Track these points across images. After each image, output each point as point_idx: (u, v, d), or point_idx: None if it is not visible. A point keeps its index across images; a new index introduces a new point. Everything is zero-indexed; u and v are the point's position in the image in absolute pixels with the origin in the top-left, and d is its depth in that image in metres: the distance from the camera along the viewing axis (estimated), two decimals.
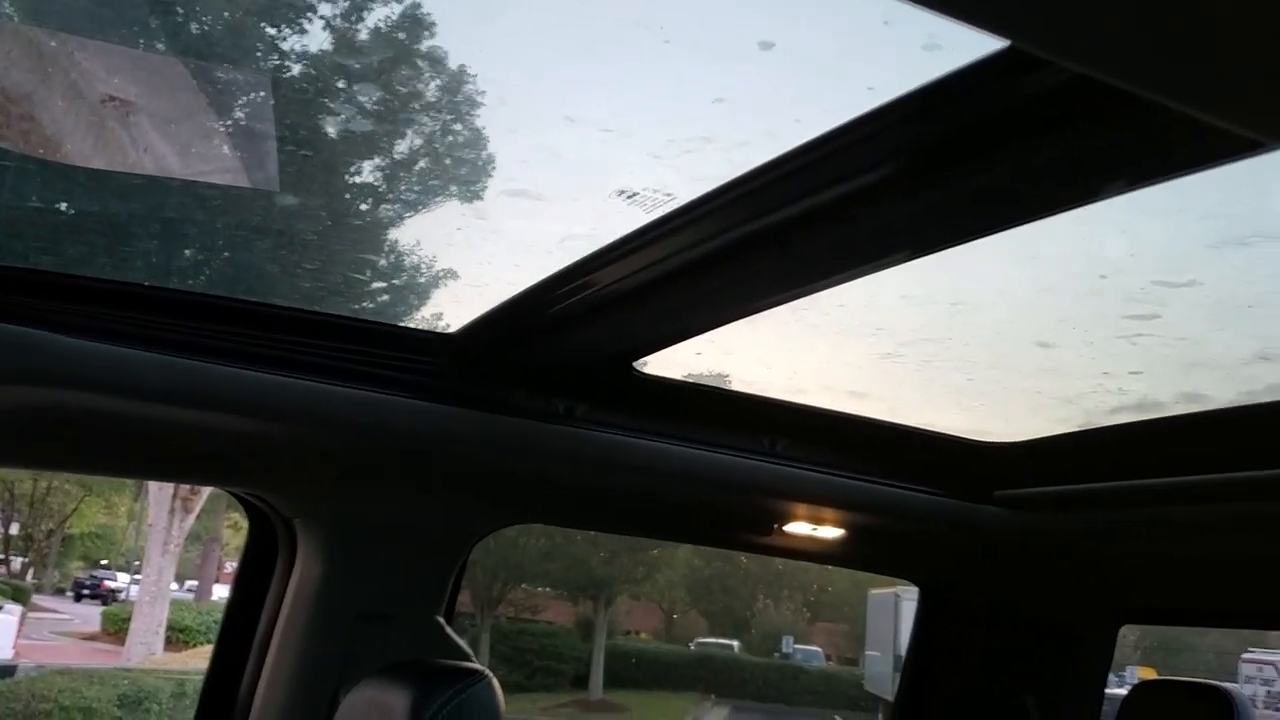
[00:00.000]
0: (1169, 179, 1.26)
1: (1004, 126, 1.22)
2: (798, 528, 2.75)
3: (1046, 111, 1.17)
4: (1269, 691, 25.98)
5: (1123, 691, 3.17)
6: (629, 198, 1.90)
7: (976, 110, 1.21)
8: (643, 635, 37.82)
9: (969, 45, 1.07)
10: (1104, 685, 3.32)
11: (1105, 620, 3.27)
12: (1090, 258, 2.38)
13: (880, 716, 25.97)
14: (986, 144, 1.25)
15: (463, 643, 2.51)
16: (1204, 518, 2.44)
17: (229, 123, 2.68)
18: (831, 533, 2.79)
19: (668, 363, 2.41)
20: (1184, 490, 2.42)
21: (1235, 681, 25.63)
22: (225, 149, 2.66)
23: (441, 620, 2.51)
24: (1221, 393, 2.88)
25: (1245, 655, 27.78)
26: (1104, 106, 1.12)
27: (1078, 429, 2.76)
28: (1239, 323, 2.67)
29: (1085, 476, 2.66)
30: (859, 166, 1.35)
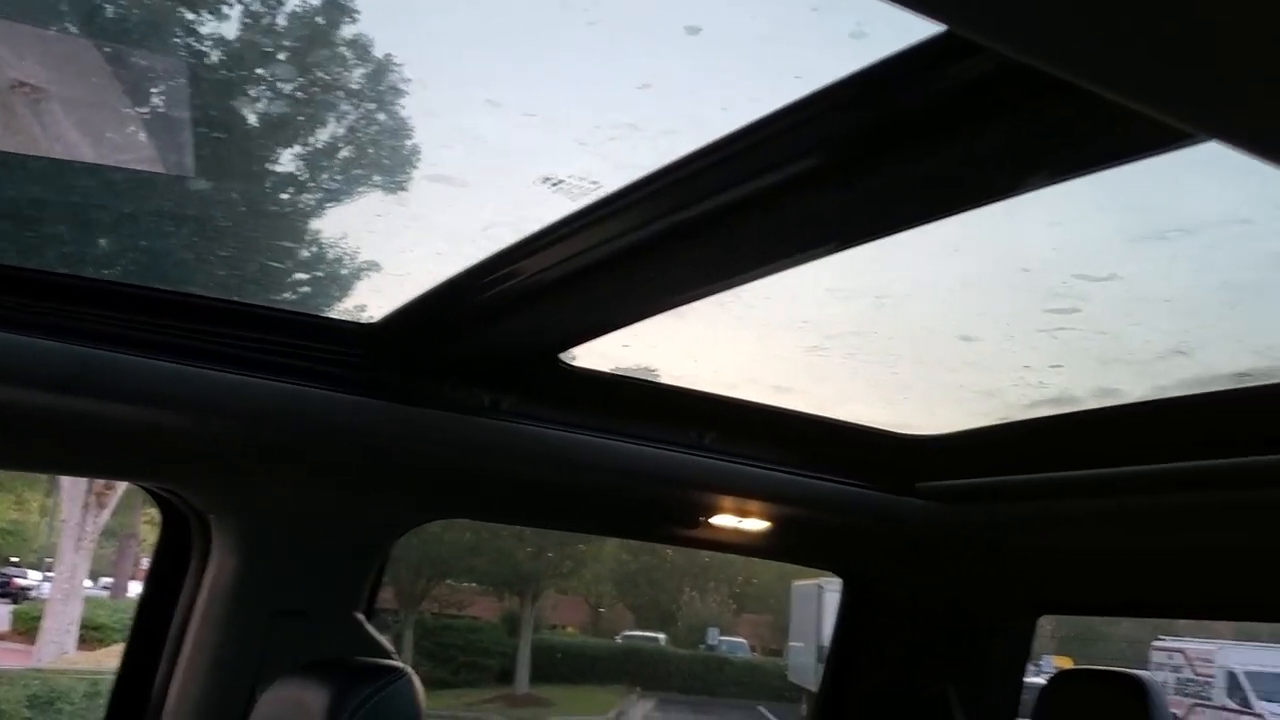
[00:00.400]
0: (1091, 172, 1.27)
1: (929, 118, 1.22)
2: (724, 520, 2.75)
3: (971, 104, 1.17)
4: (1179, 678, 26.72)
5: (1040, 680, 3.23)
6: (554, 185, 1.88)
7: (901, 101, 1.21)
8: (569, 629, 37.82)
9: (896, 34, 1.07)
10: (1023, 674, 3.38)
11: (1024, 611, 3.32)
12: (1013, 252, 2.41)
13: (804, 707, 26.24)
14: (911, 135, 1.25)
15: (383, 640, 2.47)
16: (1119, 510, 2.49)
17: (144, 107, 2.60)
18: (757, 525, 2.80)
19: (595, 355, 2.39)
20: (1100, 483, 2.46)
21: (1147, 669, 26.35)
22: (141, 134, 2.59)
23: (361, 617, 2.46)
24: (1136, 387, 2.94)
25: (1156, 643, 28.53)
26: (1027, 99, 1.13)
27: (998, 422, 2.80)
28: (1156, 317, 2.72)
29: (1005, 469, 2.70)
30: (785, 156, 1.34)
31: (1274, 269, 2.39)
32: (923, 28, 1.04)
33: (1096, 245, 2.48)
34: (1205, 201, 2.09)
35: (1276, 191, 1.96)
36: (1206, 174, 1.77)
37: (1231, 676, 25.59)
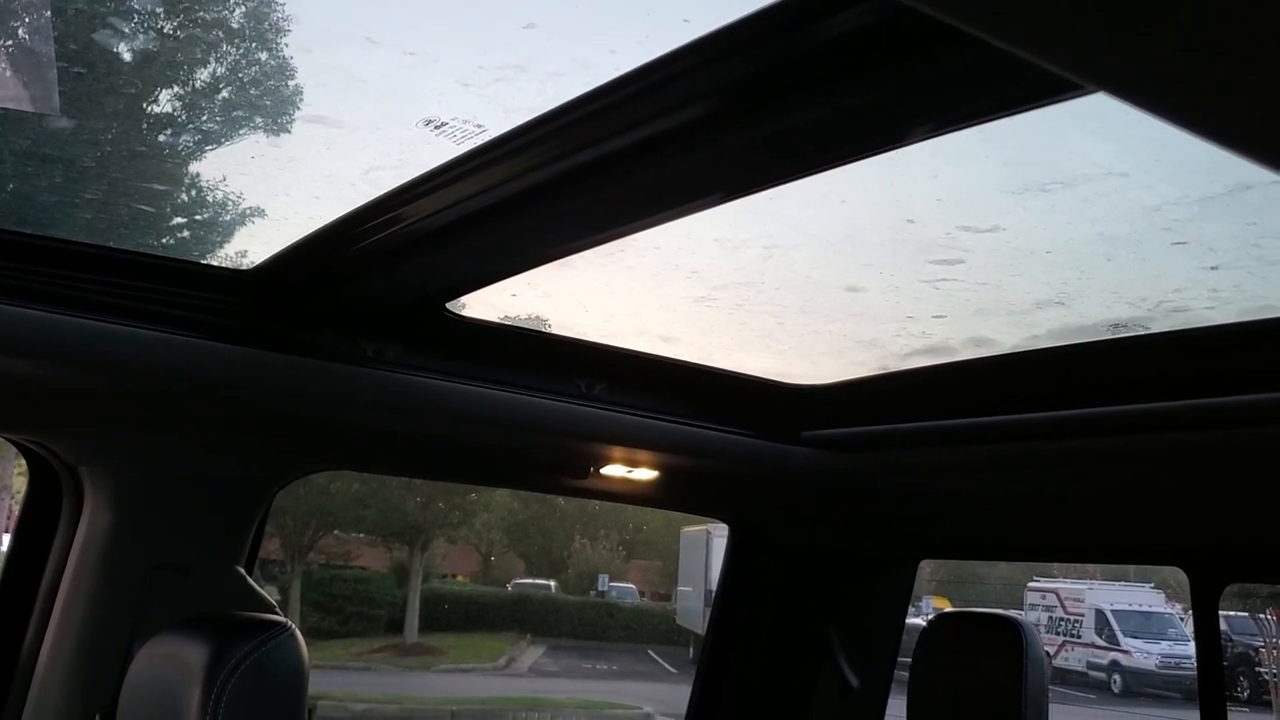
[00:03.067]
0: (976, 123, 1.28)
1: (817, 65, 1.21)
2: (613, 470, 2.76)
3: (859, 52, 1.17)
4: (1051, 617, 27.90)
5: (920, 622, 3.32)
6: (437, 128, 1.82)
7: (790, 48, 1.20)
8: (460, 578, 37.78)
9: None
10: (904, 616, 3.47)
11: (906, 555, 3.41)
12: (899, 203, 2.44)
13: (692, 650, 26.72)
14: (799, 83, 1.24)
15: (265, 593, 2.42)
16: (997, 457, 2.56)
17: (4, 39, 2.46)
18: (646, 474, 2.81)
19: (483, 304, 2.36)
20: (979, 431, 2.53)
21: (1021, 609, 27.45)
22: (1, 68, 2.45)
23: (242, 570, 2.41)
24: (1010, 336, 3.01)
25: (1030, 585, 29.73)
26: (914, 49, 1.13)
27: (882, 372, 2.85)
28: (1036, 268, 2.79)
29: (889, 418, 2.75)
30: (674, 102, 1.32)
31: (1148, 221, 2.46)
32: None
33: (980, 197, 2.52)
34: (1084, 155, 2.13)
35: (1153, 146, 2.02)
36: (1086, 128, 1.80)
37: (1100, 615, 26.83)
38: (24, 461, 2.47)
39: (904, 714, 2.82)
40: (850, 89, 1.23)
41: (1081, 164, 2.18)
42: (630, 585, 37.91)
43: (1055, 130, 1.79)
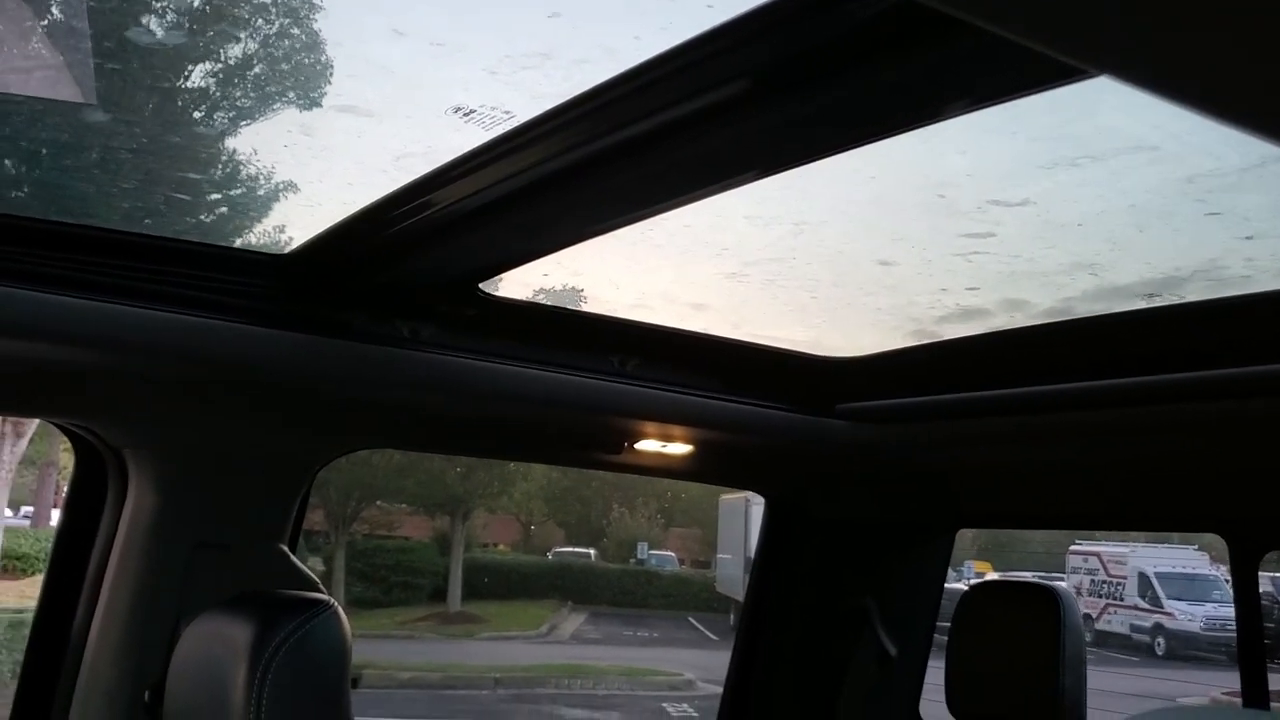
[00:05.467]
0: (1007, 100, 1.27)
1: (845, 46, 1.21)
2: (648, 445, 2.77)
3: (889, 31, 1.16)
4: (1093, 580, 27.76)
5: (962, 586, 3.33)
6: (465, 115, 1.83)
7: (817, 29, 1.20)
8: (500, 547, 38.10)
9: None
10: (942, 586, 3.48)
11: (943, 525, 3.41)
12: (929, 177, 2.43)
13: (732, 617, 26.84)
14: (828, 64, 1.24)
15: (308, 572, 2.46)
16: (1033, 426, 2.55)
17: (41, 29, 2.49)
18: (681, 449, 2.82)
19: (515, 284, 2.37)
20: (1014, 401, 2.52)
21: (1063, 572, 27.29)
22: (38, 59, 2.48)
23: (285, 549, 2.45)
24: (1043, 307, 3.00)
25: (1072, 548, 29.58)
26: (945, 27, 1.12)
27: (916, 343, 2.85)
28: (1068, 240, 2.77)
29: (923, 389, 2.75)
30: (699, 86, 1.33)
31: (1181, 193, 2.44)
32: None
33: (1010, 171, 2.50)
34: (1115, 128, 2.11)
35: (1185, 117, 1.99)
36: (1117, 101, 1.78)
37: (1143, 577, 26.65)
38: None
39: (942, 681, 2.83)
40: (881, 69, 1.23)
41: (1112, 137, 2.17)
42: (669, 553, 38.07)
43: (1085, 105, 1.77)
